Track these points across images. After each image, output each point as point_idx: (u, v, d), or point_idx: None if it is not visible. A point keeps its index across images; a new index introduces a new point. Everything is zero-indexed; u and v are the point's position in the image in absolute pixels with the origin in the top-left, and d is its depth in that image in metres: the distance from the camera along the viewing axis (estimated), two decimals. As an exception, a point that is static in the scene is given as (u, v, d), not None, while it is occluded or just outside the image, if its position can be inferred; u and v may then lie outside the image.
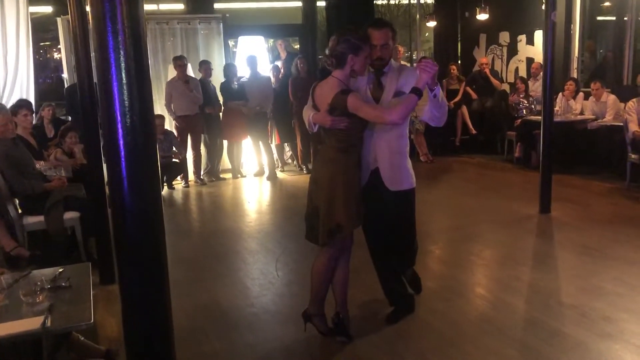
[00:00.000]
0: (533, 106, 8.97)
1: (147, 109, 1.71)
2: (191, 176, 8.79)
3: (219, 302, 4.40)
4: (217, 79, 8.85)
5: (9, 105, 6.22)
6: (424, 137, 9.48)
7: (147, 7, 10.35)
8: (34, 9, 9.33)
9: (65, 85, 8.82)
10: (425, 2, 12.22)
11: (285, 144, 9.66)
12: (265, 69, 9.37)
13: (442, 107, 3.57)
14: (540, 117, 6.38)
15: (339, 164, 3.42)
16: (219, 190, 8.47)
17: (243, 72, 8.97)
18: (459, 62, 11.26)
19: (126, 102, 1.65)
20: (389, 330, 3.79)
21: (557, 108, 8.37)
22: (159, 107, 8.52)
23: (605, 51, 9.75)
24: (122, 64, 1.63)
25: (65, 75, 9.01)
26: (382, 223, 3.71)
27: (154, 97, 1.77)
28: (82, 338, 3.32)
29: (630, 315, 3.86)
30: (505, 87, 10.34)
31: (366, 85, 3.59)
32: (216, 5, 10.29)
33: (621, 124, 7.38)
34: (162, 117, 8.29)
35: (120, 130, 1.66)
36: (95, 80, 2.87)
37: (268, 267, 5.12)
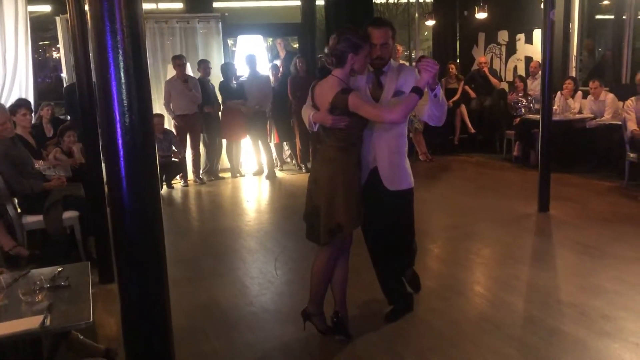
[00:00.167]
0: (532, 105, 8.97)
1: (146, 108, 1.71)
2: (190, 175, 8.79)
3: (218, 301, 4.40)
4: (216, 78, 8.84)
5: (7, 105, 6.22)
6: (423, 136, 9.48)
7: (146, 6, 10.35)
8: (33, 8, 9.32)
9: (64, 85, 8.82)
10: (424, 1, 12.24)
11: (284, 143, 9.66)
12: (264, 68, 9.37)
13: (442, 107, 3.57)
14: (538, 116, 6.39)
15: (339, 164, 3.42)
16: (218, 189, 8.47)
17: (242, 71, 8.97)
18: (458, 61, 11.26)
19: (125, 102, 1.65)
20: (388, 329, 3.80)
21: (555, 107, 8.38)
22: (158, 106, 8.51)
23: (604, 50, 9.75)
24: (121, 63, 1.63)
25: (64, 74, 9.01)
26: (381, 223, 3.72)
27: (152, 97, 1.78)
28: (82, 337, 3.32)
29: (629, 313, 3.86)
30: (504, 86, 10.35)
31: (365, 84, 3.59)
32: (215, 4, 10.28)
33: (620, 122, 7.39)
34: (161, 116, 8.29)
35: (119, 130, 1.66)
36: (94, 79, 2.87)
37: (267, 266, 5.12)
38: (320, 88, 3.49)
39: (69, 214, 5.15)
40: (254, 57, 8.87)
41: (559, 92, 8.66)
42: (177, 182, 8.66)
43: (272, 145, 9.32)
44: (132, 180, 1.71)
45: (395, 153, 3.66)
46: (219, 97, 8.81)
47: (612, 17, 9.25)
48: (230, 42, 10.35)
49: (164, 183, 8.37)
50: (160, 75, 8.93)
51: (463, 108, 10.05)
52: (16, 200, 5.17)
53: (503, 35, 10.69)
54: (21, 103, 5.85)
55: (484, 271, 4.96)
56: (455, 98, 9.93)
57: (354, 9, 9.49)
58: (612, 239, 5.34)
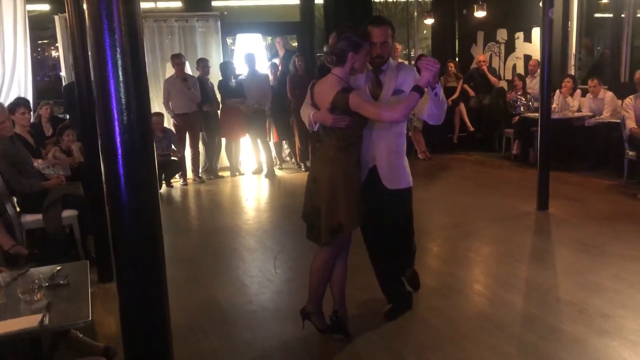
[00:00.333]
0: (530, 103, 8.97)
1: (144, 107, 1.71)
2: (189, 174, 8.79)
3: (217, 300, 4.40)
4: (215, 76, 8.83)
5: (6, 104, 6.21)
6: (422, 135, 9.48)
7: (145, 5, 10.36)
8: (31, 6, 9.30)
9: (63, 84, 8.81)
10: (423, 0, 12.22)
11: (284, 141, 9.66)
12: (263, 67, 9.36)
13: (442, 105, 3.57)
14: (537, 114, 6.38)
15: (339, 163, 3.41)
16: (217, 188, 8.47)
17: (241, 70, 8.96)
18: (457, 59, 11.26)
19: (123, 100, 1.65)
20: (387, 328, 3.80)
21: (554, 105, 8.37)
22: (157, 105, 8.51)
23: (603, 48, 9.75)
24: (119, 62, 1.63)
25: (63, 73, 9.00)
26: (380, 222, 3.71)
27: (152, 95, 1.78)
28: (81, 335, 3.33)
29: (628, 311, 3.87)
30: (503, 84, 10.35)
31: (365, 83, 3.59)
32: (214, 3, 10.27)
33: (618, 120, 7.39)
34: (161, 115, 8.29)
35: (117, 128, 1.66)
36: (93, 78, 2.87)
37: (266, 264, 5.12)
38: (319, 87, 3.48)
39: (68, 213, 5.15)
40: (253, 55, 8.86)
41: (557, 91, 8.66)
42: (176, 181, 8.66)
43: (271, 143, 9.31)
44: (130, 179, 1.71)
45: (395, 152, 3.66)
46: (218, 96, 8.81)
47: (611, 15, 9.24)
48: (229, 40, 10.34)
49: (163, 182, 8.37)
50: (159, 74, 8.92)
51: (462, 106, 10.05)
52: (15, 199, 5.17)
53: (502, 34, 10.69)
54: (20, 102, 5.84)
55: (483, 269, 4.97)
56: (454, 96, 9.93)
57: (353, 7, 9.48)
58: (611, 237, 5.34)
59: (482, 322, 3.83)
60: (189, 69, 8.74)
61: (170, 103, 8.44)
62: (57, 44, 9.28)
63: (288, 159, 9.90)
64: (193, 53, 9.08)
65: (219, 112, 8.84)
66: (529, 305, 4.07)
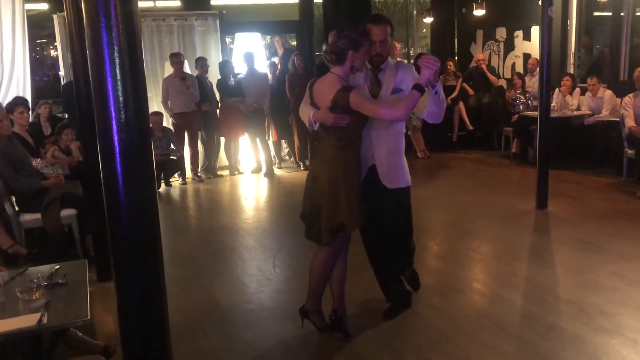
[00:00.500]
0: (530, 102, 8.97)
1: (142, 105, 1.71)
2: (188, 173, 8.78)
3: (216, 299, 4.40)
4: (214, 75, 8.83)
5: (5, 103, 6.21)
6: (421, 134, 9.48)
7: (144, 4, 10.35)
8: (30, 6, 9.31)
9: (62, 83, 8.80)
10: (422, -2, 12.24)
11: (283, 140, 9.66)
12: (262, 66, 9.35)
13: (442, 104, 3.57)
14: (537, 113, 6.38)
15: (339, 163, 3.40)
16: (217, 187, 8.47)
17: (240, 68, 8.96)
18: (456, 58, 11.25)
19: (120, 98, 1.65)
20: (386, 326, 3.80)
21: (553, 104, 8.37)
22: (156, 104, 8.50)
23: (602, 47, 9.75)
24: (116, 60, 1.62)
25: (61, 72, 9.00)
26: (378, 221, 3.70)
27: (150, 95, 1.78)
28: (80, 334, 3.32)
29: (627, 309, 3.87)
30: (502, 83, 10.34)
31: (364, 82, 3.58)
32: (213, 2, 10.27)
33: (618, 119, 7.39)
34: (160, 115, 8.28)
35: (114, 127, 1.66)
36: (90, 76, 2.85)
37: (265, 263, 5.12)
38: (319, 86, 3.47)
39: (66, 212, 5.14)
40: (251, 54, 8.86)
41: (557, 89, 8.66)
42: (175, 180, 8.65)
43: (270, 142, 9.31)
44: (128, 177, 1.71)
45: (394, 151, 3.66)
46: (217, 95, 8.80)
47: (610, 14, 9.24)
48: (228, 39, 10.33)
49: (162, 181, 8.36)
50: (158, 73, 8.91)
51: (461, 105, 10.05)
52: (14, 199, 5.16)
53: (501, 32, 10.68)
54: (18, 101, 5.84)
55: (482, 268, 4.97)
56: (453, 95, 9.92)
57: (352, 6, 9.45)
58: (610, 236, 5.34)
59: (481, 321, 3.83)
60: (187, 68, 8.73)
61: (169, 102, 8.43)
62: (55, 43, 9.28)
63: (287, 158, 9.90)
64: (192, 52, 9.08)
65: (217, 111, 8.83)
66: (528, 304, 4.07)
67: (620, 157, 7.34)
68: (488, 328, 3.72)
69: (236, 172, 9.11)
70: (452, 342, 3.57)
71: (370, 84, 3.58)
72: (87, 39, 1.68)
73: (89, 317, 2.66)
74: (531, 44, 10.00)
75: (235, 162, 9.19)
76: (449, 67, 10.07)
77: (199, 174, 8.80)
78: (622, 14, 8.72)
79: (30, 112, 6.28)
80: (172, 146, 8.30)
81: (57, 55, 9.38)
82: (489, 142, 9.95)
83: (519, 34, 10.30)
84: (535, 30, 9.74)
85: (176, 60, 8.38)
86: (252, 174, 9.09)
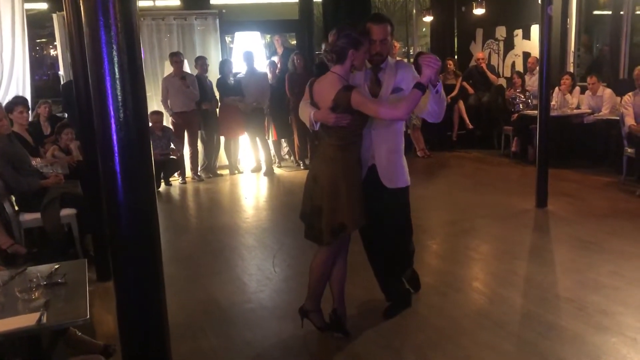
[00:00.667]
0: (529, 101, 8.97)
1: (141, 104, 1.71)
2: (188, 172, 8.77)
3: (216, 298, 4.40)
4: (214, 75, 8.83)
5: (4, 102, 6.21)
6: (421, 133, 9.48)
7: (143, 3, 10.36)
8: (29, 5, 9.31)
9: (62, 82, 8.80)
10: (421, -3, 12.23)
11: (282, 139, 9.65)
12: (262, 65, 9.35)
13: (442, 103, 3.56)
14: (536, 112, 6.38)
15: (340, 162, 3.39)
16: (216, 186, 8.46)
17: (240, 68, 8.95)
18: (456, 57, 11.25)
19: (119, 97, 1.64)
20: (386, 325, 3.79)
21: (553, 102, 8.38)
22: (156, 104, 8.50)
23: (602, 45, 9.74)
24: (115, 59, 1.62)
25: (61, 72, 9.00)
26: (378, 221, 3.69)
27: (150, 94, 1.78)
28: (80, 334, 3.32)
29: (627, 308, 3.87)
30: (502, 81, 10.33)
31: (364, 81, 3.57)
32: (212, 1, 10.27)
33: (617, 118, 7.39)
34: (160, 114, 8.27)
35: (113, 126, 1.66)
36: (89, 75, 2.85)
37: (265, 263, 5.12)
38: (319, 85, 3.46)
39: (66, 212, 5.14)
40: (251, 54, 8.85)
41: (556, 88, 8.65)
42: (175, 180, 8.64)
43: (270, 142, 9.31)
44: (127, 177, 1.71)
45: (394, 151, 3.66)
46: (217, 94, 8.80)
47: (610, 12, 9.24)
48: (227, 39, 10.33)
49: (162, 180, 8.36)
50: (158, 73, 8.91)
51: (461, 104, 10.04)
52: (13, 198, 5.16)
53: (501, 31, 10.68)
54: (18, 101, 5.84)
55: (482, 267, 4.96)
56: (453, 94, 9.92)
57: (351, 5, 9.45)
58: (610, 234, 5.34)
59: (481, 320, 3.83)
60: (187, 67, 8.73)
61: (168, 101, 8.43)
62: (55, 43, 9.27)
63: (287, 157, 9.89)
64: (191, 51, 9.07)
65: (217, 110, 8.83)
66: (528, 303, 4.07)
67: (620, 155, 7.34)
68: (488, 327, 3.71)
69: (236, 172, 9.11)
70: (452, 341, 3.57)
71: (370, 84, 3.57)
72: (86, 38, 1.67)
73: (88, 317, 2.67)
74: (531, 43, 9.99)
75: (235, 162, 9.19)
76: (448, 66, 10.06)
77: (198, 173, 8.79)
78: (621, 12, 8.72)
79: (29, 112, 6.28)
80: (172, 145, 8.29)
81: (56, 55, 9.38)
82: (489, 141, 9.95)
83: (519, 32, 10.30)
84: (534, 29, 9.74)
85: (176, 59, 8.38)
86: (252, 173, 9.09)
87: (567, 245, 5.20)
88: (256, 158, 9.10)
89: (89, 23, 1.63)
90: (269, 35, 11.49)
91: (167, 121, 8.62)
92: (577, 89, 8.71)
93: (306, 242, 3.69)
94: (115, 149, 1.68)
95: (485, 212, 6.28)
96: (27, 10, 8.13)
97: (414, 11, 12.71)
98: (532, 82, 9.19)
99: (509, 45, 10.56)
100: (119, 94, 1.64)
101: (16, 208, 5.15)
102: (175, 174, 8.64)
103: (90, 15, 1.61)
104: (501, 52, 10.76)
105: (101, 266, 4.71)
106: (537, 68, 7.70)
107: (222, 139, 9.02)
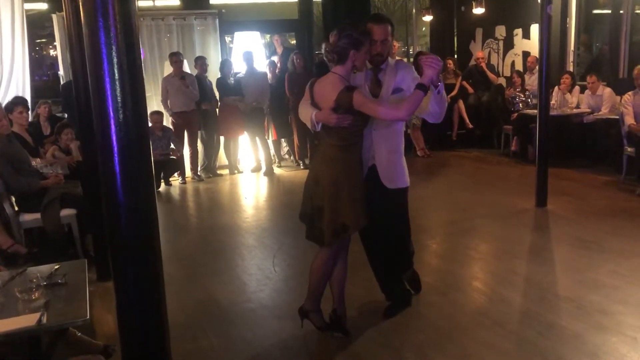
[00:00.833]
0: (529, 100, 8.97)
1: (140, 105, 1.71)
2: (188, 172, 8.77)
3: (216, 298, 4.40)
4: (214, 74, 8.83)
5: (4, 103, 6.21)
6: (421, 132, 9.48)
7: (143, 3, 10.36)
8: (29, 5, 9.30)
9: (61, 82, 8.80)
10: (421, -3, 12.23)
11: (282, 139, 9.65)
12: (262, 65, 9.35)
13: (444, 103, 3.55)
14: (536, 111, 6.38)
15: (341, 163, 3.39)
16: (216, 186, 8.47)
17: (239, 67, 8.95)
18: (455, 56, 11.24)
19: (119, 98, 1.65)
20: (385, 325, 3.80)
21: (553, 102, 8.37)
22: (155, 104, 8.50)
23: (601, 44, 9.74)
24: (114, 59, 1.63)
25: (61, 72, 8.99)
26: (377, 221, 3.69)
27: (150, 94, 1.78)
28: (80, 334, 3.32)
29: (627, 307, 3.87)
30: (502, 81, 10.33)
31: (364, 82, 3.57)
32: (212, 1, 10.27)
33: (617, 117, 7.39)
34: (161, 114, 8.27)
35: (112, 126, 1.66)
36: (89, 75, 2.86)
37: (265, 262, 5.12)
38: (320, 86, 3.45)
39: (66, 212, 5.14)
40: (251, 53, 8.85)
41: (556, 87, 8.65)
42: (175, 180, 8.64)
43: (269, 141, 9.31)
44: (126, 177, 1.71)
45: (394, 152, 3.66)
46: (216, 94, 8.80)
47: (610, 11, 9.24)
48: (227, 38, 10.33)
49: (162, 180, 8.36)
50: (158, 73, 8.90)
51: (461, 103, 10.04)
52: (13, 199, 5.16)
53: (500, 31, 10.68)
54: (18, 101, 5.84)
55: (482, 266, 4.97)
56: (452, 93, 9.91)
57: (351, 5, 9.44)
58: (609, 234, 5.34)
59: (481, 319, 3.83)
60: (187, 67, 8.73)
61: (168, 101, 8.43)
62: (55, 43, 9.27)
63: (287, 156, 9.89)
64: (191, 51, 9.07)
65: (217, 110, 8.83)
66: (527, 302, 4.07)
67: (619, 154, 7.34)
68: (487, 326, 3.72)
69: (236, 171, 9.11)
70: (451, 340, 3.57)
71: (371, 84, 3.57)
72: (85, 38, 1.68)
73: (88, 317, 2.67)
74: (530, 42, 9.99)
75: (235, 161, 9.18)
76: (448, 65, 10.05)
77: (198, 173, 8.80)
78: (621, 11, 8.72)
79: (29, 112, 6.27)
80: (172, 145, 8.29)
81: (56, 55, 9.38)
82: (489, 141, 9.95)
83: (519, 32, 10.30)
84: (534, 29, 9.73)
85: (175, 59, 8.38)
86: (251, 173, 9.09)
87: (567, 244, 5.20)
88: (256, 158, 9.11)
89: (88, 24, 1.63)
90: (268, 35, 11.49)
91: (167, 121, 8.62)
92: (577, 88, 8.71)
93: (306, 242, 3.69)
94: (115, 149, 1.68)
95: (485, 212, 6.29)
96: (26, 10, 8.13)
97: (414, 10, 12.72)
98: (532, 81, 9.18)
99: (509, 44, 10.56)
100: (118, 94, 1.65)
101: (16, 208, 5.15)
102: (175, 174, 8.64)
103: (90, 16, 1.61)
104: (501, 52, 10.76)
105: (101, 266, 4.72)
106: (537, 67, 7.71)
107: (222, 138, 9.02)
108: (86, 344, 3.35)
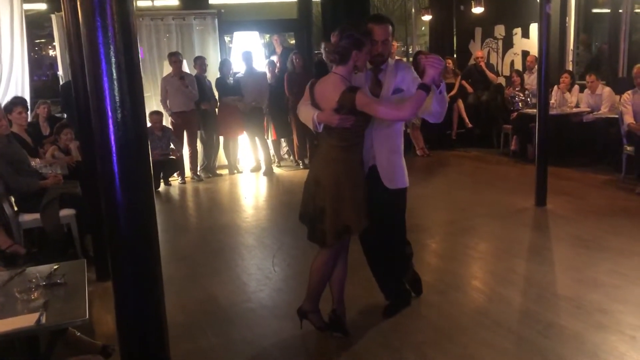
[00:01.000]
0: (529, 99, 8.97)
1: (138, 104, 1.71)
2: (187, 172, 8.77)
3: (216, 297, 4.40)
4: (213, 74, 8.82)
5: (3, 103, 6.21)
6: (420, 132, 9.48)
7: (142, 3, 10.36)
8: (28, 6, 9.29)
9: (61, 83, 8.80)
10: (420, -4, 12.23)
11: (282, 139, 9.65)
12: (261, 65, 9.35)
13: (445, 103, 3.55)
14: (535, 110, 6.38)
15: (342, 163, 3.38)
16: (216, 186, 8.47)
17: (239, 67, 8.95)
18: (455, 55, 11.25)
19: (117, 97, 1.65)
20: (385, 324, 3.80)
21: (552, 101, 8.38)
22: (155, 104, 8.50)
23: (601, 44, 9.75)
24: (112, 59, 1.63)
25: (60, 72, 8.99)
26: (377, 221, 3.68)
27: (149, 94, 1.78)
28: (79, 334, 3.32)
29: (626, 306, 3.87)
30: (501, 80, 10.34)
31: (365, 82, 3.56)
32: (211, 1, 10.26)
33: (616, 116, 7.39)
34: (160, 114, 8.27)
35: (111, 126, 1.66)
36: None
37: (265, 262, 5.12)
38: (321, 87, 3.43)
39: (65, 212, 5.14)
40: (250, 53, 8.85)
41: (555, 86, 8.66)
42: (175, 180, 8.64)
43: (269, 141, 9.31)
44: (125, 177, 1.71)
45: (394, 152, 3.66)
46: (216, 94, 8.80)
47: (609, 11, 9.24)
48: (226, 38, 10.33)
49: (162, 180, 8.36)
50: (157, 73, 8.91)
51: (460, 103, 10.04)
52: (13, 199, 5.16)
53: (500, 30, 10.69)
54: (17, 101, 5.83)
55: (481, 266, 4.97)
56: (452, 93, 9.90)
57: (350, 5, 9.44)
58: (609, 233, 5.34)
59: (480, 318, 3.83)
60: (186, 67, 8.73)
61: (167, 101, 8.42)
62: (54, 43, 9.27)
63: (286, 156, 9.89)
64: (190, 51, 9.06)
65: (216, 110, 8.83)
66: (526, 301, 4.07)
67: (619, 154, 7.35)
68: (487, 326, 3.72)
69: (235, 171, 9.11)
70: (451, 340, 3.57)
71: (371, 84, 3.57)
72: (83, 38, 1.68)
73: (87, 317, 2.67)
74: (530, 42, 10.00)
75: (235, 161, 9.18)
76: (447, 64, 10.04)
77: (198, 173, 8.79)
78: (620, 10, 8.73)
79: (28, 112, 6.27)
80: (171, 145, 8.29)
81: (55, 55, 9.38)
82: (488, 140, 9.94)
83: (518, 31, 10.30)
84: (533, 28, 9.73)
85: (174, 59, 8.37)
86: (251, 172, 9.09)
87: (566, 243, 5.20)
88: (255, 158, 9.11)
89: (86, 24, 1.63)
90: (267, 35, 11.49)
91: (167, 121, 8.61)
92: (576, 87, 8.71)
93: (306, 242, 3.69)
94: (113, 149, 1.68)
95: (484, 211, 6.29)
96: (26, 10, 8.13)
97: (413, 10, 12.71)
98: (531, 80, 9.19)
99: (508, 44, 10.57)
100: (116, 94, 1.65)
101: (15, 208, 5.15)
102: (175, 174, 8.64)
103: (88, 16, 1.61)
104: (500, 51, 10.77)
105: (100, 266, 4.72)
106: (536, 67, 7.70)
107: (222, 138, 9.02)
108: (85, 344, 3.35)
